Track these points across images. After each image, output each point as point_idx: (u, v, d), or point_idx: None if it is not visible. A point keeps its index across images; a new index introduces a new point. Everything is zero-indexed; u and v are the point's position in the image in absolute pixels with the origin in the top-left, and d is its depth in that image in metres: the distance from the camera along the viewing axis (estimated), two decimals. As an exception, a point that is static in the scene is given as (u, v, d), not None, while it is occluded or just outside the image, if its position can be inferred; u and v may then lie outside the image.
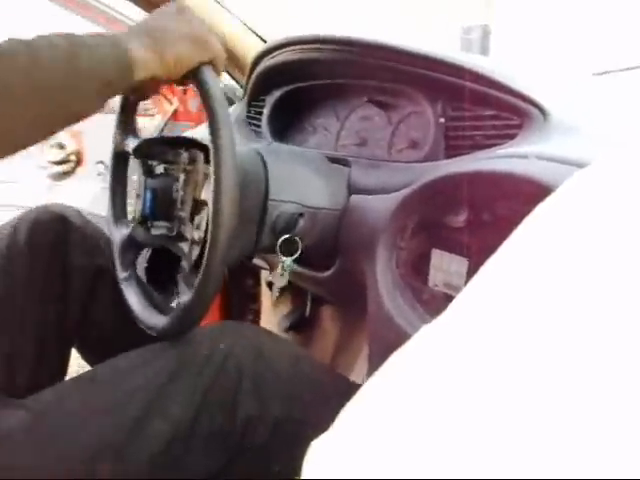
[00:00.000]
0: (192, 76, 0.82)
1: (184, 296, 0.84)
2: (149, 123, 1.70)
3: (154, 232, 1.01)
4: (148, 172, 1.02)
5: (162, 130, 1.58)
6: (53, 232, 1.06)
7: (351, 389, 0.90)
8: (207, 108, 0.80)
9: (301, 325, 1.44)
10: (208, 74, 0.81)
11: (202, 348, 0.84)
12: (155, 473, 0.77)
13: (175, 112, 1.72)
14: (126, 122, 1.03)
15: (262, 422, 0.82)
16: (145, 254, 1.36)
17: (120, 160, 1.07)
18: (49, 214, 1.07)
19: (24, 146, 0.69)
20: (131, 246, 1.03)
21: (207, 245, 0.79)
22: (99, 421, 0.77)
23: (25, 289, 1.01)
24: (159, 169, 1.02)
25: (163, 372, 0.81)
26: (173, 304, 0.87)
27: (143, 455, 0.77)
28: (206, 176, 0.92)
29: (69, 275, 1.06)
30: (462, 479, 0.23)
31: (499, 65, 0.90)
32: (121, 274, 1.01)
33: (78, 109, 0.72)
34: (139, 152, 1.01)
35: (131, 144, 1.02)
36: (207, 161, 0.93)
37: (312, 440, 0.30)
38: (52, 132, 0.73)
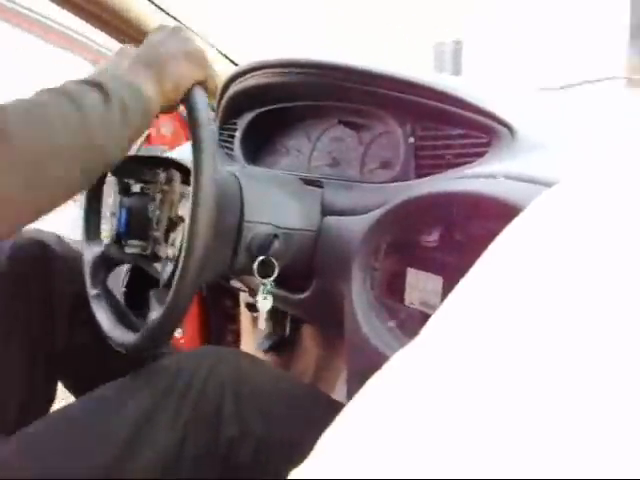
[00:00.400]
0: (183, 96, 0.83)
1: (154, 312, 0.84)
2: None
3: (128, 251, 1.01)
4: (124, 191, 1.02)
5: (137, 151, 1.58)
6: (33, 259, 1.06)
7: (332, 406, 0.91)
8: (192, 129, 0.80)
9: (281, 345, 1.43)
10: (198, 96, 0.82)
11: (183, 374, 0.84)
12: None
13: (148, 136, 1.72)
14: None
15: (245, 442, 0.82)
16: (123, 277, 1.35)
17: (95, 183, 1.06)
18: (28, 241, 1.07)
19: (73, 195, 0.71)
20: (103, 264, 1.03)
21: (180, 262, 0.79)
22: (88, 452, 0.78)
23: (8, 318, 1.00)
24: (135, 188, 1.03)
25: (147, 401, 0.82)
26: (147, 317, 0.87)
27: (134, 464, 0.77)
28: (182, 196, 0.93)
29: (52, 302, 1.05)
30: None
31: (467, 84, 0.91)
32: (91, 291, 1.02)
33: (115, 158, 0.74)
34: (117, 170, 1.01)
35: None
36: (184, 181, 0.94)
37: (295, 459, 0.30)
38: (91, 182, 0.75)
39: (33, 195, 0.63)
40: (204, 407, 0.82)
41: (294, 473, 0.28)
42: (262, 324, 0.98)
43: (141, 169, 1.01)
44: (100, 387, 0.86)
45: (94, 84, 0.71)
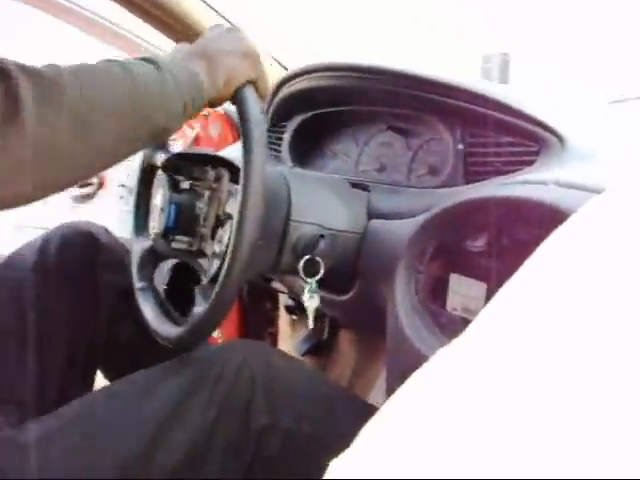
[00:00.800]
0: (234, 94, 0.84)
1: (199, 307, 0.86)
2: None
3: (175, 246, 1.02)
4: (174, 187, 1.03)
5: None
6: (82, 249, 1.08)
7: (365, 409, 0.91)
8: (243, 126, 0.82)
9: (319, 349, 1.44)
10: (249, 93, 0.84)
11: (215, 365, 0.86)
12: None
13: (196, 137, 1.74)
14: None
15: (273, 433, 0.83)
16: (165, 274, 1.37)
17: (147, 174, 1.09)
18: (77, 231, 1.10)
19: (119, 159, 0.74)
20: (150, 258, 1.05)
21: (227, 257, 0.80)
22: (124, 432, 0.80)
23: (55, 305, 1.02)
24: (185, 185, 1.04)
25: (180, 387, 0.83)
26: (191, 312, 0.88)
27: (166, 465, 0.79)
28: (231, 194, 0.94)
29: (98, 293, 1.07)
30: None
31: (517, 92, 0.91)
32: (138, 284, 1.03)
33: (165, 127, 0.76)
34: (167, 166, 1.03)
35: (160, 158, 1.04)
36: (233, 180, 0.95)
37: (323, 456, 0.30)
38: (143, 147, 0.80)
39: (82, 147, 0.66)
40: (235, 397, 0.83)
41: (334, 463, 0.29)
42: (311, 323, 0.99)
43: (191, 166, 1.02)
44: (132, 374, 0.88)
45: (149, 60, 0.75)
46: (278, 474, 0.85)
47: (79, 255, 1.07)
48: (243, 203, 0.79)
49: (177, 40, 1.40)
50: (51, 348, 1.01)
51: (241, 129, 0.83)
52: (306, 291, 0.96)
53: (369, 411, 0.32)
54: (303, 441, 0.85)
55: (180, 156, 1.04)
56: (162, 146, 1.06)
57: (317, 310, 0.98)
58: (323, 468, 0.29)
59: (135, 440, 0.79)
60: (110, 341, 1.10)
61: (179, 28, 1.25)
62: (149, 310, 0.99)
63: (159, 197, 1.04)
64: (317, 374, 0.98)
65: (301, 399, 0.88)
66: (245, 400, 0.83)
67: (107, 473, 0.77)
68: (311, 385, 0.92)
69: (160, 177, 1.07)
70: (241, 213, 0.79)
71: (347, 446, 0.29)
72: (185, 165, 1.03)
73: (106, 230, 1.16)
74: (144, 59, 0.75)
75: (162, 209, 1.03)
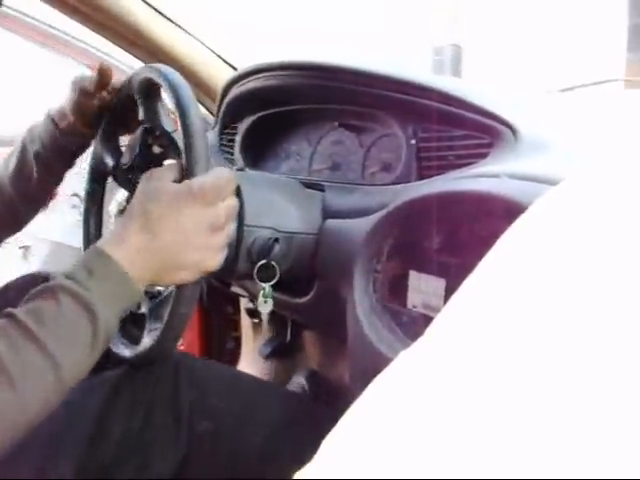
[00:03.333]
0: None
1: (157, 324, 0.84)
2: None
3: None
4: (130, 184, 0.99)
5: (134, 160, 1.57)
6: None
7: (281, 398, 0.95)
8: (185, 137, 0.80)
9: (282, 351, 1.43)
10: (187, 98, 0.82)
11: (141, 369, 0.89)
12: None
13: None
14: (108, 139, 1.01)
15: (204, 409, 0.87)
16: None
17: (97, 178, 1.05)
18: (37, 279, 1.07)
19: None
20: None
21: None
22: (56, 432, 0.82)
23: None
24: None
25: (108, 392, 0.86)
26: (145, 331, 0.86)
27: (101, 461, 0.82)
28: None
29: None
30: None
31: (468, 85, 0.91)
32: None
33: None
34: (122, 170, 0.98)
35: (110, 163, 1.00)
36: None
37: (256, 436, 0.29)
38: None
39: None
40: (163, 381, 0.88)
41: (298, 474, 0.28)
42: (265, 327, 0.98)
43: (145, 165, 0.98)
44: None
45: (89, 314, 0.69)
46: (216, 450, 0.87)
47: None
48: None
49: (125, 46, 1.38)
50: None
51: (183, 139, 0.80)
52: (260, 296, 0.95)
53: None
54: (234, 419, 0.89)
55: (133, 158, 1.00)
56: (111, 148, 1.01)
57: (276, 313, 0.97)
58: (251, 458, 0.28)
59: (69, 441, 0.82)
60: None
61: (120, 30, 1.22)
62: None
63: (113, 203, 1.01)
64: (247, 377, 1.04)
65: (226, 380, 0.94)
66: (172, 382, 0.87)
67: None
68: (235, 376, 0.99)
69: (110, 187, 1.05)
70: None
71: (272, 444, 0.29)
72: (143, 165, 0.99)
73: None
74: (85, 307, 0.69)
75: (121, 211, 0.99)
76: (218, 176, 0.78)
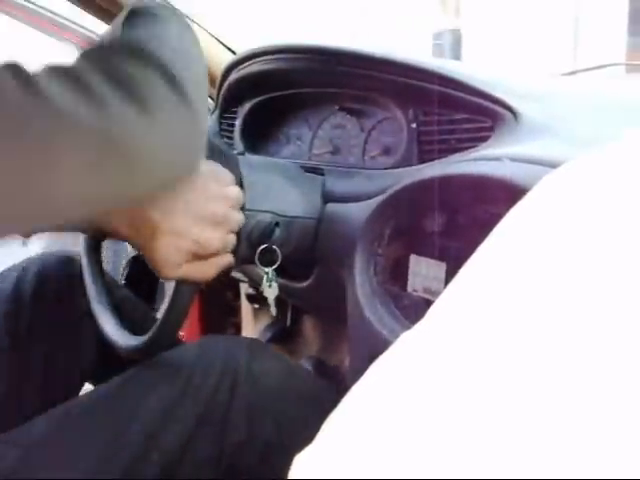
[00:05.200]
0: None
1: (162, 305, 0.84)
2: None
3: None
4: None
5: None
6: (60, 278, 1.05)
7: (334, 380, 0.90)
8: None
9: (283, 336, 1.43)
10: None
11: (196, 372, 0.81)
12: None
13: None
14: None
15: (252, 447, 0.80)
16: (123, 270, 1.34)
17: None
18: (56, 260, 1.07)
19: None
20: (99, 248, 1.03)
21: None
22: (95, 454, 0.75)
23: (31, 336, 0.99)
24: None
25: (159, 402, 0.79)
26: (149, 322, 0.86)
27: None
28: None
29: (79, 321, 1.05)
30: None
31: (469, 68, 0.91)
32: (91, 290, 1.01)
33: None
34: None
35: None
36: None
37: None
38: None
39: None
40: (215, 409, 0.80)
41: (298, 457, 0.28)
42: (273, 312, 0.97)
43: None
44: (117, 377, 0.84)
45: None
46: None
47: (57, 285, 1.05)
48: None
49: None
50: (25, 378, 0.98)
51: None
52: (264, 281, 0.94)
53: (342, 384, 0.32)
54: (283, 450, 0.81)
55: None
56: None
57: (278, 298, 0.97)
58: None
59: (107, 463, 0.74)
60: (103, 361, 1.07)
61: (113, 10, 1.20)
62: (106, 320, 0.97)
63: None
64: (299, 371, 0.96)
65: (282, 406, 0.85)
66: (223, 412, 0.80)
67: None
68: (293, 387, 0.89)
69: None
70: None
71: None
72: None
73: None
74: None
75: None
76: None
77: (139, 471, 0.75)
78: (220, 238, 0.76)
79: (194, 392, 0.79)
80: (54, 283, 1.04)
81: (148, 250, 0.73)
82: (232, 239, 0.78)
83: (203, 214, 0.74)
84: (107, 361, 1.04)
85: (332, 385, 1.06)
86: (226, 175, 0.79)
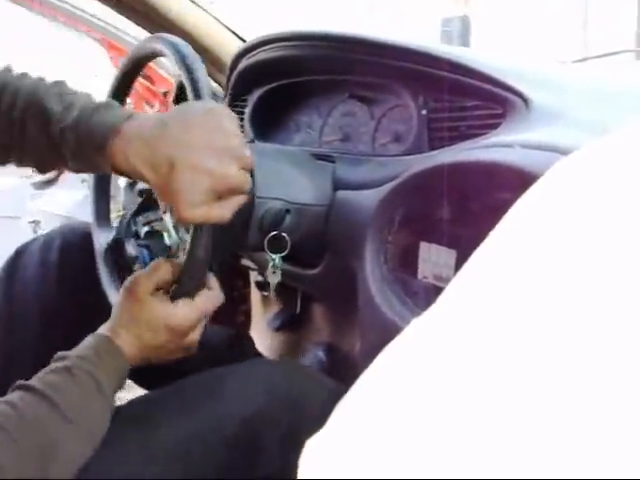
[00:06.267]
0: None
1: None
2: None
3: (139, 229, 1.02)
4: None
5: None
6: (82, 250, 1.06)
7: (345, 367, 0.89)
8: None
9: (292, 324, 1.43)
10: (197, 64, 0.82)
11: (234, 405, 0.78)
12: None
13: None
14: None
15: (283, 477, 0.74)
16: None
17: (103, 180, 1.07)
18: (79, 232, 1.10)
19: None
20: (115, 248, 1.04)
21: (189, 241, 0.79)
22: (124, 470, 0.72)
23: (54, 308, 1.02)
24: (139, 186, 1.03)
25: (192, 431, 0.76)
26: None
27: None
28: None
29: (99, 291, 1.06)
30: (460, 478, 0.23)
31: (480, 55, 0.90)
32: (105, 278, 1.01)
33: None
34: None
35: None
36: None
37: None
38: None
39: None
40: (247, 442, 0.76)
41: (310, 443, 0.28)
42: (272, 297, 0.98)
43: None
44: (150, 393, 0.87)
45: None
46: None
47: (80, 256, 1.06)
48: None
49: (133, 18, 1.37)
50: (49, 343, 1.00)
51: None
52: (269, 267, 0.95)
53: (353, 370, 0.32)
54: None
55: None
56: None
57: (286, 285, 0.97)
58: None
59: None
60: None
61: (130, 2, 1.21)
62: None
63: (119, 182, 1.02)
64: (338, 392, 0.93)
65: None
66: (256, 441, 0.76)
67: None
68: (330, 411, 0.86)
69: None
70: None
71: None
72: None
73: None
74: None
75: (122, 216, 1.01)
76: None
77: None
78: (236, 174, 0.75)
79: (224, 417, 0.77)
80: (76, 254, 1.06)
81: (166, 188, 0.73)
82: (248, 177, 0.77)
83: (219, 147, 0.73)
84: None
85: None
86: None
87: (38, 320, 1.01)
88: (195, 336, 0.81)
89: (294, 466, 0.77)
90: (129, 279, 0.82)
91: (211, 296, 0.82)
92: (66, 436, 0.68)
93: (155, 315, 0.78)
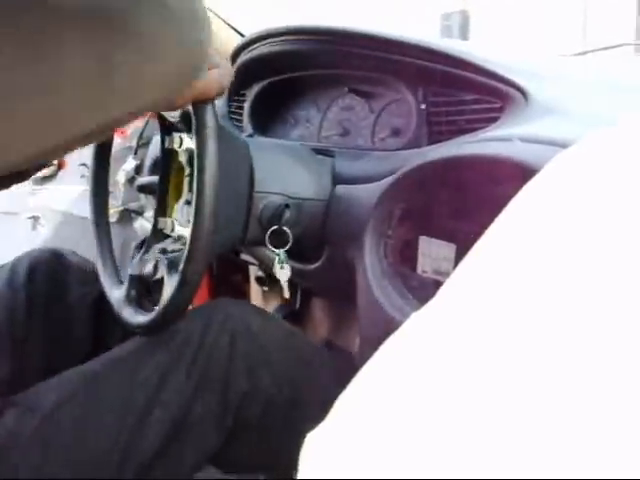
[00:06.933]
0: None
1: (168, 288, 0.84)
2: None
3: (137, 225, 1.01)
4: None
5: (143, 130, 1.57)
6: (50, 268, 1.07)
7: (342, 365, 0.91)
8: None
9: (292, 319, 1.43)
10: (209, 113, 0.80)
11: (195, 332, 0.85)
12: (158, 461, 0.80)
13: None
14: (103, 150, 1.04)
15: (254, 399, 0.84)
16: (133, 253, 1.35)
17: (103, 150, 1.06)
18: (46, 253, 1.10)
19: None
20: (111, 241, 1.04)
21: (189, 236, 0.79)
22: (105, 420, 0.79)
23: (26, 325, 1.02)
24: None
25: (160, 364, 0.83)
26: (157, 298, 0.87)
27: (147, 449, 0.79)
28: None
29: (71, 307, 1.06)
30: (461, 477, 0.23)
31: (478, 48, 0.90)
32: (102, 271, 1.01)
33: None
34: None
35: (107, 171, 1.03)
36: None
37: (304, 420, 0.29)
38: None
39: None
40: (214, 366, 0.83)
41: (310, 436, 0.28)
42: (286, 294, 0.98)
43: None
44: (116, 348, 0.88)
45: None
46: (259, 439, 0.86)
47: (48, 274, 1.07)
48: (199, 175, 0.78)
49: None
50: (22, 362, 1.00)
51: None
52: (276, 263, 0.95)
53: (352, 365, 0.32)
54: (284, 405, 0.86)
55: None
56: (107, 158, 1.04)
57: (288, 280, 0.97)
58: (304, 432, 0.28)
59: (116, 428, 0.78)
60: (99, 347, 1.08)
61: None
62: (115, 298, 0.97)
63: (121, 173, 1.02)
64: (296, 334, 0.98)
65: (281, 362, 0.88)
66: (224, 368, 0.83)
67: (83, 467, 0.77)
68: (291, 346, 0.92)
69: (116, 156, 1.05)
70: (198, 187, 0.78)
71: (328, 409, 0.28)
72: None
73: (74, 252, 1.16)
74: None
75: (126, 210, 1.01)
76: None
77: (146, 429, 0.79)
78: None
79: (193, 350, 0.83)
80: (45, 278, 1.06)
81: None
82: None
83: None
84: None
85: (325, 348, 1.08)
86: None
87: (9, 347, 1.00)
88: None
89: (260, 388, 0.80)
90: None
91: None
92: None
93: None
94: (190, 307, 1.53)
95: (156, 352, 0.84)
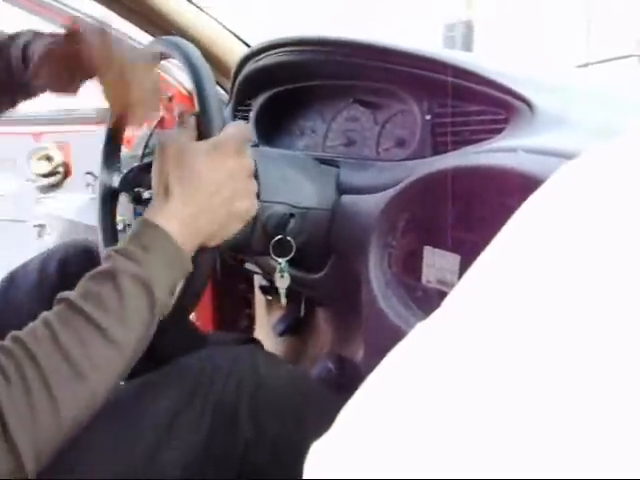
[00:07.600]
0: None
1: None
2: (136, 133, 1.69)
3: None
4: (136, 200, 1.02)
5: (149, 139, 1.58)
6: (81, 265, 1.07)
7: (349, 372, 0.90)
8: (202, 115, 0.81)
9: (296, 328, 1.43)
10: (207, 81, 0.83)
11: (206, 374, 0.83)
12: None
13: (160, 120, 1.72)
14: (112, 159, 1.06)
15: (261, 444, 0.82)
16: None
17: (108, 198, 1.07)
18: (77, 248, 1.11)
19: None
20: None
21: None
22: (114, 455, 0.76)
23: None
24: (146, 195, 1.02)
25: (172, 401, 0.80)
26: None
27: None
28: None
29: None
30: (464, 479, 0.23)
31: (483, 60, 0.90)
32: None
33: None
34: (125, 184, 1.01)
35: (116, 180, 1.03)
36: None
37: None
38: None
39: None
40: (223, 408, 0.81)
41: (315, 446, 0.28)
42: (283, 302, 0.98)
43: (148, 176, 1.01)
44: (127, 383, 0.84)
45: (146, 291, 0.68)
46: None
47: (79, 271, 1.07)
48: None
49: (138, 23, 1.37)
50: None
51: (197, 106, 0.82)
52: (277, 271, 0.95)
53: (357, 375, 0.32)
54: (293, 447, 0.82)
55: (135, 169, 1.03)
56: (116, 168, 1.06)
57: (290, 289, 0.97)
58: None
59: (125, 464, 0.75)
60: None
61: (135, 7, 1.22)
62: None
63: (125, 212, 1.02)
64: (301, 375, 0.99)
65: (286, 405, 0.86)
66: (232, 410, 0.81)
67: None
68: (296, 386, 0.91)
69: (130, 159, 1.06)
70: None
71: None
72: (143, 176, 1.01)
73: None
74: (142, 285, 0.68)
75: (128, 225, 1.01)
76: (235, 127, 0.80)
77: (155, 467, 0.76)
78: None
79: (203, 394, 0.81)
80: (76, 271, 1.06)
81: None
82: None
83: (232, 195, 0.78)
84: None
85: (333, 390, 1.07)
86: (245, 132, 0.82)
87: None
88: (251, 186, 0.80)
89: (267, 433, 0.79)
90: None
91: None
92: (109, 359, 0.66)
93: (204, 148, 0.77)
94: (192, 318, 1.54)
95: (167, 390, 0.82)
